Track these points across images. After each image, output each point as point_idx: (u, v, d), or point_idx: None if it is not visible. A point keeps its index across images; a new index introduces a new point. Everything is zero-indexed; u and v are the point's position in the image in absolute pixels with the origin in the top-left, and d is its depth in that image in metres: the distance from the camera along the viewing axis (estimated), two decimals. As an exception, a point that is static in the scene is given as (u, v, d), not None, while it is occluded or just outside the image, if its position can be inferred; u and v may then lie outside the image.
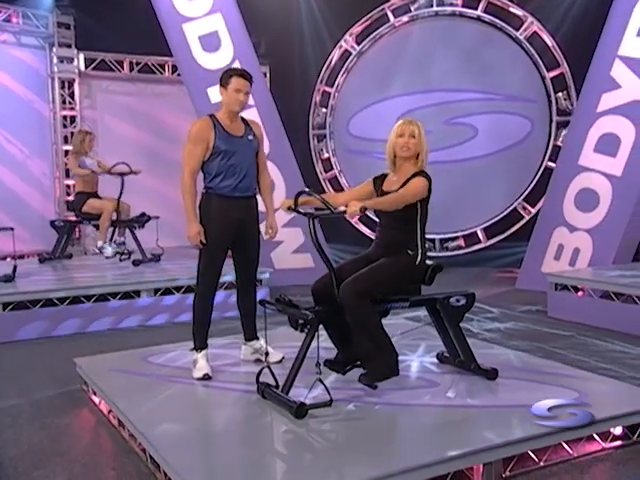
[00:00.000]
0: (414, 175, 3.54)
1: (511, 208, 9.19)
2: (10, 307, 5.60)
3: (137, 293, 6.10)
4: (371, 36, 9.52)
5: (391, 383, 3.54)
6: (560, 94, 8.90)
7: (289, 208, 3.67)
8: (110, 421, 3.61)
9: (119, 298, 6.00)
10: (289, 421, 3.14)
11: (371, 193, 3.74)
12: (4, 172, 9.23)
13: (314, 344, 3.26)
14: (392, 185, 3.61)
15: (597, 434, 3.22)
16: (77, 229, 9.05)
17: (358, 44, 9.60)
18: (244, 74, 3.85)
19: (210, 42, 8.01)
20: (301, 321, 3.32)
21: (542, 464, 3.05)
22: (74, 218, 7.69)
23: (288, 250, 8.06)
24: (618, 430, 3.29)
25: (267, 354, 3.61)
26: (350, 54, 9.64)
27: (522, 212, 9.16)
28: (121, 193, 7.26)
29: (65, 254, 7.72)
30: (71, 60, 9.51)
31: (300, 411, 3.14)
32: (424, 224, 3.63)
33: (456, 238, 9.45)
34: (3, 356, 5.09)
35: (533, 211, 8.97)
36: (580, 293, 6.08)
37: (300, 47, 9.97)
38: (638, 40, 6.98)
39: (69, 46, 9.52)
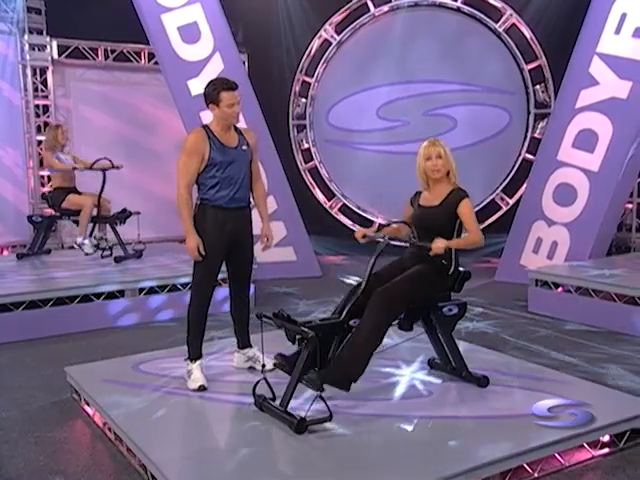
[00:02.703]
0: (452, 192, 3.73)
1: (489, 199, 9.30)
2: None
3: (121, 293, 6.05)
4: (351, 26, 9.45)
5: (385, 392, 3.62)
6: (538, 86, 8.99)
7: (363, 236, 3.85)
8: (106, 434, 3.61)
9: (103, 298, 5.94)
10: (289, 437, 3.18)
11: (410, 211, 3.94)
12: (-26, 163, 9.01)
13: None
14: (430, 201, 3.82)
15: (587, 443, 3.33)
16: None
17: (338, 34, 9.53)
18: (232, 85, 3.79)
19: (190, 33, 7.88)
20: (299, 336, 3.34)
21: (536, 475, 3.15)
22: (52, 213, 7.57)
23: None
24: (606, 437, 3.40)
25: (264, 366, 3.63)
26: (330, 44, 9.57)
27: (500, 203, 9.29)
28: (102, 189, 7.16)
29: (43, 250, 7.61)
30: (43, 47, 9.26)
31: (300, 427, 3.19)
32: (461, 235, 3.76)
33: (435, 229, 9.52)
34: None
35: (511, 202, 9.11)
36: (560, 289, 6.21)
37: (279, 36, 9.85)
38: (616, 38, 7.07)
39: (40, 32, 9.25)
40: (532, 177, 7.83)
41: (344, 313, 3.49)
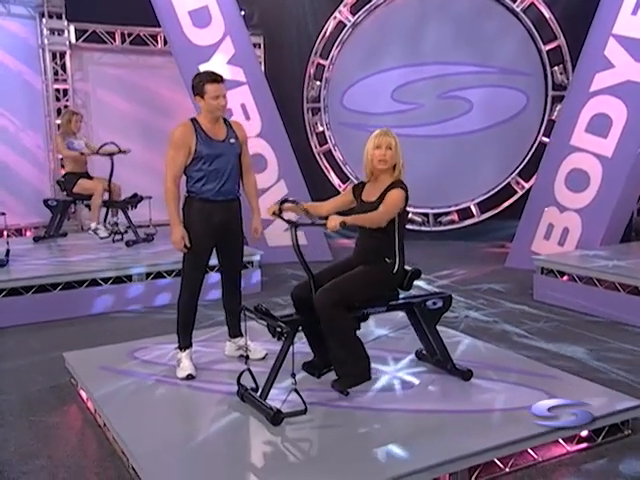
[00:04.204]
0: (391, 185, 3.58)
1: (505, 183, 9.20)
2: (3, 294, 5.69)
3: (129, 278, 6.18)
4: (366, 7, 9.35)
5: (366, 385, 3.67)
6: (556, 68, 8.80)
7: (273, 213, 3.76)
8: (96, 420, 3.74)
9: (112, 283, 6.08)
10: (266, 429, 3.25)
11: (351, 202, 3.80)
12: (-3, 145, 9.23)
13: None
14: (370, 195, 3.66)
15: (562, 438, 3.34)
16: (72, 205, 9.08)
17: (353, 15, 9.44)
18: (217, 78, 3.82)
19: (200, 17, 7.91)
20: (278, 329, 3.41)
21: (507, 470, 3.17)
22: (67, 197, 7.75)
23: (281, 227, 8.02)
24: (584, 432, 3.40)
25: (247, 358, 3.71)
26: (345, 25, 9.50)
27: (515, 187, 9.17)
28: (111, 174, 7.29)
29: (60, 233, 7.80)
30: (62, 32, 9.39)
31: (276, 418, 3.27)
32: (402, 233, 3.67)
33: (449, 213, 9.48)
34: (-4, 344, 5.22)
35: (527, 186, 8.98)
36: (565, 277, 6.15)
37: (294, 18, 9.80)
38: (633, 19, 6.88)
39: (59, 16, 9.38)
40: (545, 162, 7.71)
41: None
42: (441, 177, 9.11)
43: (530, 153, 9.02)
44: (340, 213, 3.51)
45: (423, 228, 9.41)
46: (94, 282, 6.03)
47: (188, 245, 3.86)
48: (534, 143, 9.01)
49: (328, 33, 9.60)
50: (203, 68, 7.88)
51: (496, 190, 9.17)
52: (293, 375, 3.32)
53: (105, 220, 7.41)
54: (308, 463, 2.98)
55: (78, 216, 9.55)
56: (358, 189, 3.77)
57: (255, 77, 8.20)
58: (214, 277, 5.83)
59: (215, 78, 3.83)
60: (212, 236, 3.93)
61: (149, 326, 5.53)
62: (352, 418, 3.38)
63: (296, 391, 3.32)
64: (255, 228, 4.16)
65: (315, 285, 3.57)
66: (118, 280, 6.13)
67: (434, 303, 3.85)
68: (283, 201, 3.74)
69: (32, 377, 4.46)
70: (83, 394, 4.05)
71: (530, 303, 6.19)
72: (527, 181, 9.02)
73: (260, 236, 4.22)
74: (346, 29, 9.50)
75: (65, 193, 7.53)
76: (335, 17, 9.52)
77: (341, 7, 9.45)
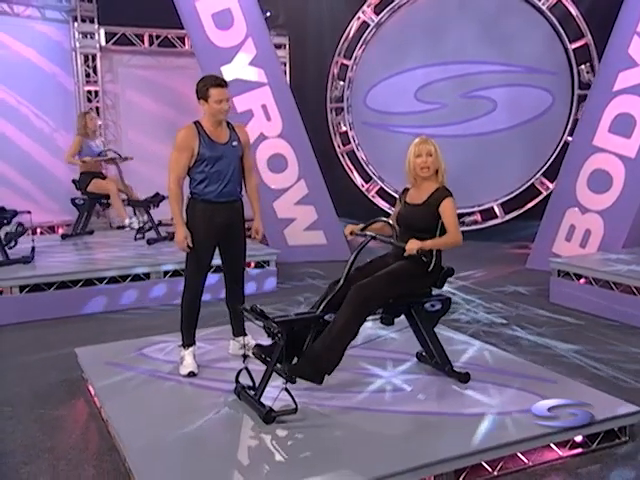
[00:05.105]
0: (436, 191, 3.75)
1: (529, 184, 9.09)
2: (26, 289, 5.89)
3: (147, 276, 6.33)
4: (389, 7, 9.36)
5: (361, 386, 3.71)
6: (583, 66, 8.66)
7: (351, 233, 3.95)
8: (101, 414, 3.86)
9: (131, 280, 6.23)
10: (257, 426, 3.32)
11: (399, 207, 3.98)
12: (33, 146, 9.50)
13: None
14: (415, 198, 3.84)
15: (555, 443, 3.32)
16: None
17: (376, 15, 9.45)
18: (220, 83, 3.90)
19: (223, 19, 8.02)
20: (272, 329, 3.47)
21: (496, 473, 3.16)
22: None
23: (301, 227, 8.19)
24: (578, 438, 3.38)
25: (245, 357, 3.77)
26: (368, 25, 9.52)
27: (540, 187, 9.06)
28: (121, 176, 7.57)
29: (86, 230, 8.03)
30: (92, 35, 9.64)
31: (268, 417, 3.33)
32: (443, 233, 3.75)
33: (473, 213, 9.41)
34: (13, 337, 5.41)
35: (551, 187, 8.86)
36: (582, 280, 6.07)
37: (318, 19, 9.87)
38: (658, 16, 6.74)
39: (91, 20, 9.63)
40: (567, 163, 7.60)
41: (321, 307, 3.59)
42: (464, 177, 9.01)
43: (555, 153, 8.90)
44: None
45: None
46: (113, 279, 6.19)
47: (191, 245, 3.95)
48: (559, 143, 8.89)
49: (352, 33, 9.64)
50: (225, 69, 8.03)
51: (520, 190, 9.07)
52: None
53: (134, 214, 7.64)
54: (293, 462, 3.03)
55: (107, 213, 9.79)
56: (403, 194, 3.98)
57: (276, 78, 8.28)
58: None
59: (219, 82, 3.91)
60: (214, 236, 4.01)
61: (166, 323, 5.61)
62: (342, 418, 3.41)
63: (287, 390, 3.37)
64: (256, 229, 4.23)
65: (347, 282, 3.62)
66: (137, 278, 6.29)
67: (432, 305, 3.86)
68: (371, 223, 3.93)
69: (45, 371, 4.61)
70: (91, 389, 4.18)
71: (546, 306, 6.12)
72: (552, 181, 8.90)
73: (261, 237, 4.27)
74: (369, 29, 9.53)
75: (80, 192, 7.77)
76: (359, 17, 9.56)
77: (365, 7, 9.48)
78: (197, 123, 4.01)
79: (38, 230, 9.30)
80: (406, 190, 3.97)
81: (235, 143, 4.04)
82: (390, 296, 3.65)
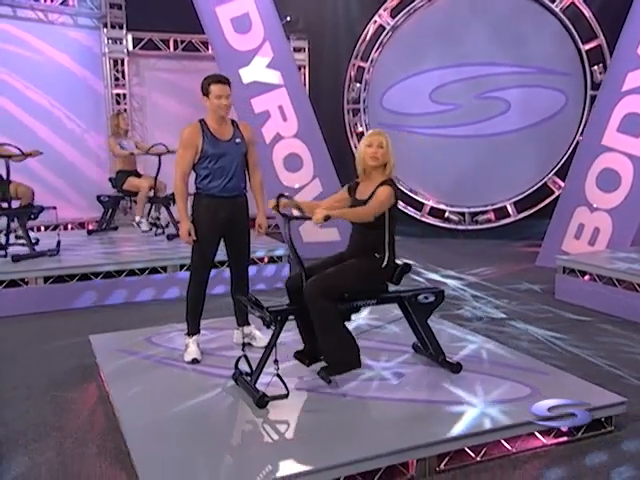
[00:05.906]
0: (381, 184, 3.75)
1: (541, 183, 9.15)
2: (50, 280, 6.18)
3: (165, 269, 6.58)
4: (405, 10, 9.50)
5: (354, 375, 3.87)
6: (596, 67, 8.69)
7: (273, 207, 3.98)
8: (109, 398, 4.09)
9: (149, 273, 6.49)
10: (251, 410, 3.50)
11: (346, 200, 3.99)
12: (65, 146, 9.94)
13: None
14: (363, 193, 3.84)
15: (539, 431, 3.38)
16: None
17: (393, 18, 9.60)
18: (221, 79, 4.10)
19: (241, 24, 8.27)
20: (267, 318, 3.66)
21: (479, 459, 3.25)
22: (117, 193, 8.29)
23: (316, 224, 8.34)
24: (564, 427, 3.44)
25: (244, 345, 3.96)
26: (384, 29, 9.67)
27: (552, 187, 9.11)
28: (158, 172, 7.77)
29: (111, 226, 8.37)
30: (121, 40, 10.01)
31: (261, 401, 3.51)
32: (393, 229, 3.82)
33: (486, 212, 9.50)
34: (36, 326, 5.68)
35: (564, 186, 8.90)
36: (587, 277, 6.14)
37: (336, 23, 10.06)
38: (667, 17, 6.78)
39: (120, 26, 10.01)
40: (576, 162, 7.67)
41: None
42: (478, 177, 9.15)
43: (568, 153, 8.94)
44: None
45: (459, 227, 9.49)
46: (132, 272, 6.46)
47: (195, 239, 4.16)
48: (572, 143, 8.93)
49: (368, 36, 9.81)
50: (243, 72, 8.28)
51: (533, 190, 9.12)
52: (276, 361, 3.55)
53: (148, 215, 7.93)
54: (282, 443, 3.19)
55: (133, 210, 10.10)
56: (352, 188, 3.97)
57: (292, 80, 8.48)
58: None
59: (219, 79, 4.11)
60: (218, 230, 4.21)
61: (180, 314, 5.82)
62: (332, 404, 3.56)
63: (278, 376, 3.54)
64: (259, 224, 4.41)
65: (307, 276, 3.78)
66: (155, 271, 6.54)
67: (426, 297, 3.98)
68: (279, 196, 3.95)
69: (63, 358, 4.86)
70: (102, 374, 4.42)
71: (551, 302, 6.21)
72: (564, 181, 8.93)
73: (264, 232, 4.45)
74: (386, 32, 9.68)
75: (116, 190, 8.06)
76: (375, 21, 9.72)
77: (381, 11, 9.64)
78: (202, 121, 4.19)
79: (69, 226, 9.72)
80: (356, 184, 3.94)
81: (238, 140, 4.23)
82: (343, 290, 3.70)
